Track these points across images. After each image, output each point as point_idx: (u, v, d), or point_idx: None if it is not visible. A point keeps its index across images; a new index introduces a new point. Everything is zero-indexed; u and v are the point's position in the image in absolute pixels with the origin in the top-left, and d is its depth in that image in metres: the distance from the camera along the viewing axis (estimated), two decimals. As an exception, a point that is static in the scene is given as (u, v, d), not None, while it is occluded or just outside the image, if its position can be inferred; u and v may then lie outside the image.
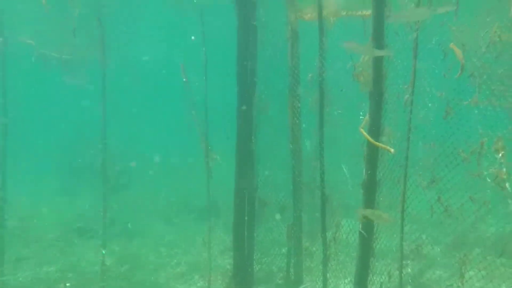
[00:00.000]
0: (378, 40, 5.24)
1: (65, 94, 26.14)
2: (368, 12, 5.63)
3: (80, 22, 9.49)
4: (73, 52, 10.98)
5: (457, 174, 5.01)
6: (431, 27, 5.12)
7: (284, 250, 7.90)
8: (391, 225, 5.58)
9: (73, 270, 10.45)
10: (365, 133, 5.38)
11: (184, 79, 8.26)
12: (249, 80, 7.33)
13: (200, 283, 9.68)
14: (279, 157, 7.77)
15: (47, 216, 15.02)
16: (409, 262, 6.92)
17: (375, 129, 5.37)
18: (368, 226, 5.53)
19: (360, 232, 5.55)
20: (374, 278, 5.76)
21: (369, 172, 5.42)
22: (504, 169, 4.52)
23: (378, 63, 5.31)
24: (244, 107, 7.32)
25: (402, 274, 5.65)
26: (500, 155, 4.51)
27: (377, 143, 5.31)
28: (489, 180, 4.65)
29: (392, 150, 5.26)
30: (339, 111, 6.77)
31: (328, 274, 6.88)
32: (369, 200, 5.49)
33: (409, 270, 7.50)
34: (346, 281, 7.10)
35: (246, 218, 7.69)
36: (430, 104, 5.16)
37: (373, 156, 5.42)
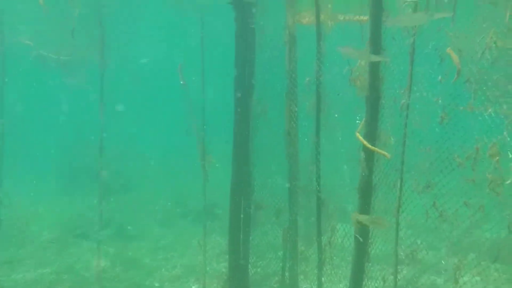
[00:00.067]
0: (375, 44, 5.27)
1: (64, 94, 26.13)
2: (366, 17, 5.65)
3: (80, 22, 9.50)
4: (73, 52, 10.99)
5: (453, 179, 5.02)
6: (428, 32, 5.14)
7: (279, 254, 7.88)
8: (386, 230, 5.58)
9: (69, 272, 10.41)
10: (361, 138, 5.40)
11: (181, 82, 8.24)
12: (247, 83, 7.35)
13: (196, 286, 9.66)
14: (276, 161, 7.77)
15: (44, 216, 14.97)
16: (404, 267, 6.91)
17: (371, 134, 5.38)
18: (363, 231, 5.54)
19: (355, 237, 5.55)
20: (369, 282, 5.77)
21: (365, 176, 5.43)
22: (499, 175, 4.53)
23: (374, 67, 5.33)
24: (240, 110, 7.34)
25: (397, 279, 5.65)
26: (495, 160, 4.52)
27: (373, 147, 5.33)
28: (484, 186, 4.66)
29: (388, 154, 5.28)
30: (336, 115, 6.78)
31: (323, 278, 6.88)
32: (365, 205, 5.50)
33: (404, 274, 7.48)
34: (341, 285, 7.09)
35: (241, 221, 7.70)
36: (426, 109, 5.17)
37: (369, 160, 5.44)
